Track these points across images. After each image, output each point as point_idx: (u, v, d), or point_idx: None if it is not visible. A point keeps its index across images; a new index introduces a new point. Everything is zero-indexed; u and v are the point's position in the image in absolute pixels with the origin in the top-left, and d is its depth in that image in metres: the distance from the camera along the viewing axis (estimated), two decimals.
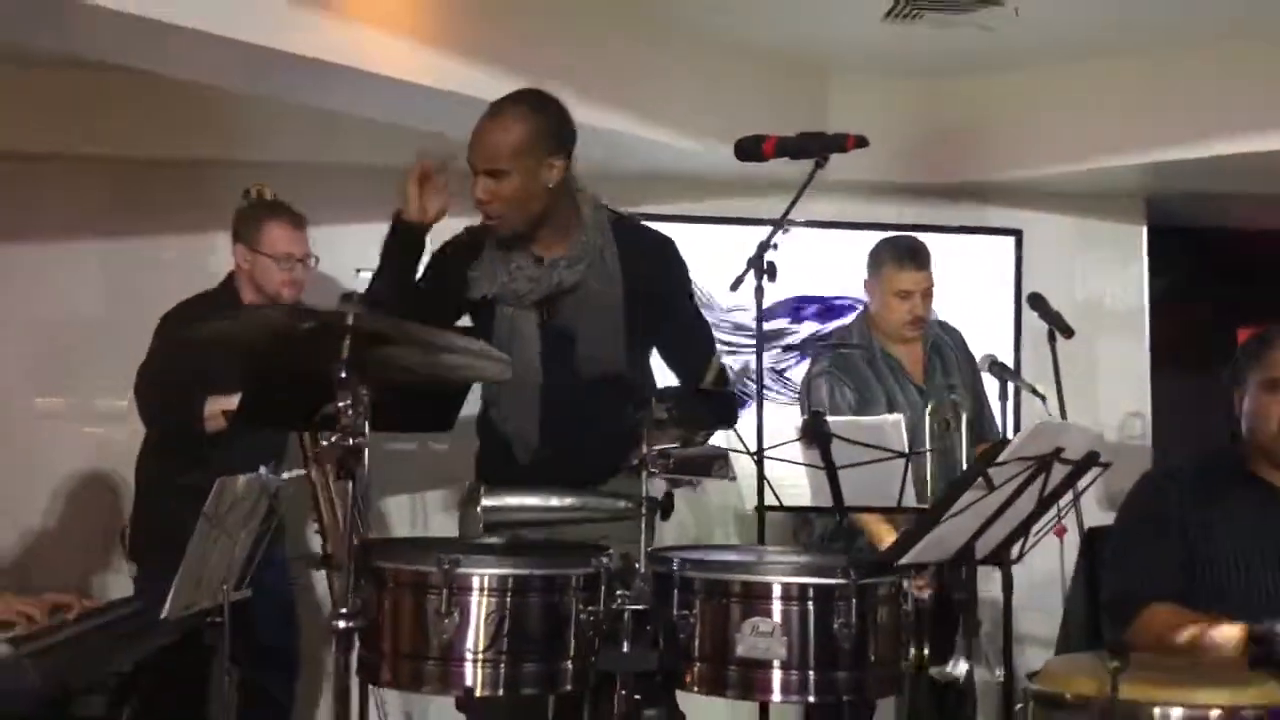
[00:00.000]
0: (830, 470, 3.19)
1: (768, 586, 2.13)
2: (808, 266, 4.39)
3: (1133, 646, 2.44)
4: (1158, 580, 2.61)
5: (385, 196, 2.85)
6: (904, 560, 2.13)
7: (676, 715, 2.37)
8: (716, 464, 2.28)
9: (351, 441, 1.94)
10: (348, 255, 3.76)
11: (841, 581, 2.10)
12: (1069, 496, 2.33)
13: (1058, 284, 4.72)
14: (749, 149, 2.89)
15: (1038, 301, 3.99)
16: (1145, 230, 4.99)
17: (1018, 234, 4.78)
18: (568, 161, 2.75)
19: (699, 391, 2.60)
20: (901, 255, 3.75)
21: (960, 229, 4.78)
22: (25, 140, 4.24)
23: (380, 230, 2.83)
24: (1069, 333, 3.88)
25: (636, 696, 2.14)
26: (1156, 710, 2.07)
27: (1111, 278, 4.95)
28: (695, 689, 2.17)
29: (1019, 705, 2.27)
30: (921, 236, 4.64)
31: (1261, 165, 4.37)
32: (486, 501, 2.26)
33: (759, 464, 2.98)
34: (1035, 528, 2.29)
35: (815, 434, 3.21)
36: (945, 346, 3.85)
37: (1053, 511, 2.27)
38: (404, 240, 2.76)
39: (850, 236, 4.51)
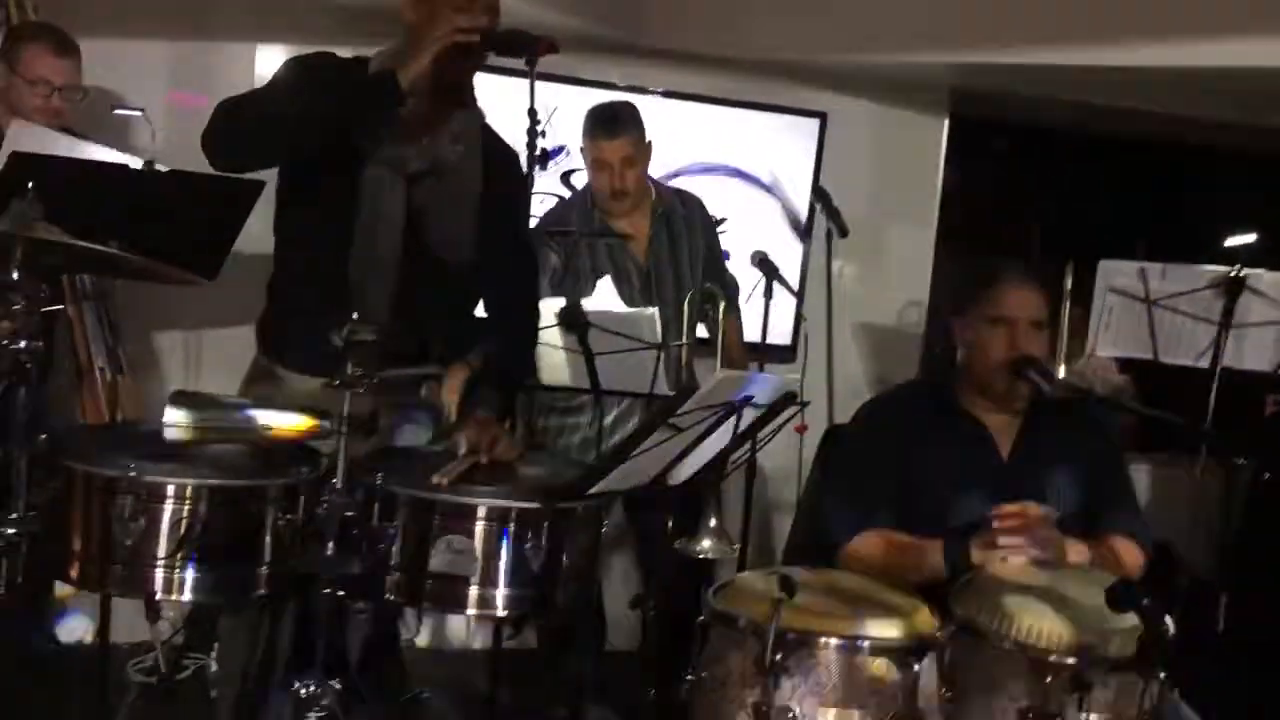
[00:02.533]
0: (587, 356, 3.30)
1: (470, 509, 2.21)
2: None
3: (848, 566, 2.62)
4: (872, 509, 2.67)
5: None
6: (594, 490, 2.22)
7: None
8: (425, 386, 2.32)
9: (25, 345, 1.89)
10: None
11: (534, 506, 2.19)
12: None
13: (855, 169, 4.81)
14: None
15: (821, 195, 4.06)
16: (946, 122, 5.06)
17: (822, 116, 4.80)
18: None
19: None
20: (594, 123, 3.67)
21: (766, 106, 4.77)
22: None
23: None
24: (844, 232, 3.97)
25: (341, 593, 2.22)
26: (820, 640, 2.21)
27: (908, 166, 5.02)
28: (393, 597, 2.26)
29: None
30: (726, 112, 4.72)
31: (1063, 77, 4.46)
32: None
33: None
34: (733, 457, 2.39)
35: (572, 322, 3.30)
36: (675, 217, 3.80)
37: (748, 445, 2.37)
38: (378, 94, 2.53)
39: (657, 104, 4.49)
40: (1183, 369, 4.01)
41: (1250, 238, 3.95)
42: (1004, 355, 2.65)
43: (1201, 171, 5.66)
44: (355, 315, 2.10)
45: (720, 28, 4.56)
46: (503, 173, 2.83)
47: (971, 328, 2.75)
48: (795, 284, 4.52)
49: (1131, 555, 2.66)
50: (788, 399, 2.30)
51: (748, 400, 2.18)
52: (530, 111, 2.84)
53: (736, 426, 2.23)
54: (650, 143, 3.75)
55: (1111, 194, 5.86)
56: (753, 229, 4.62)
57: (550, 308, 3.31)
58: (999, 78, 4.72)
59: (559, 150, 4.18)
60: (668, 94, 4.60)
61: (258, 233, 2.87)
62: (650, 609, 2.60)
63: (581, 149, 3.77)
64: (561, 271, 3.61)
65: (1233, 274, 3.82)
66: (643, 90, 4.52)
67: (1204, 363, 3.95)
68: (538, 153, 2.93)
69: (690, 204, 3.89)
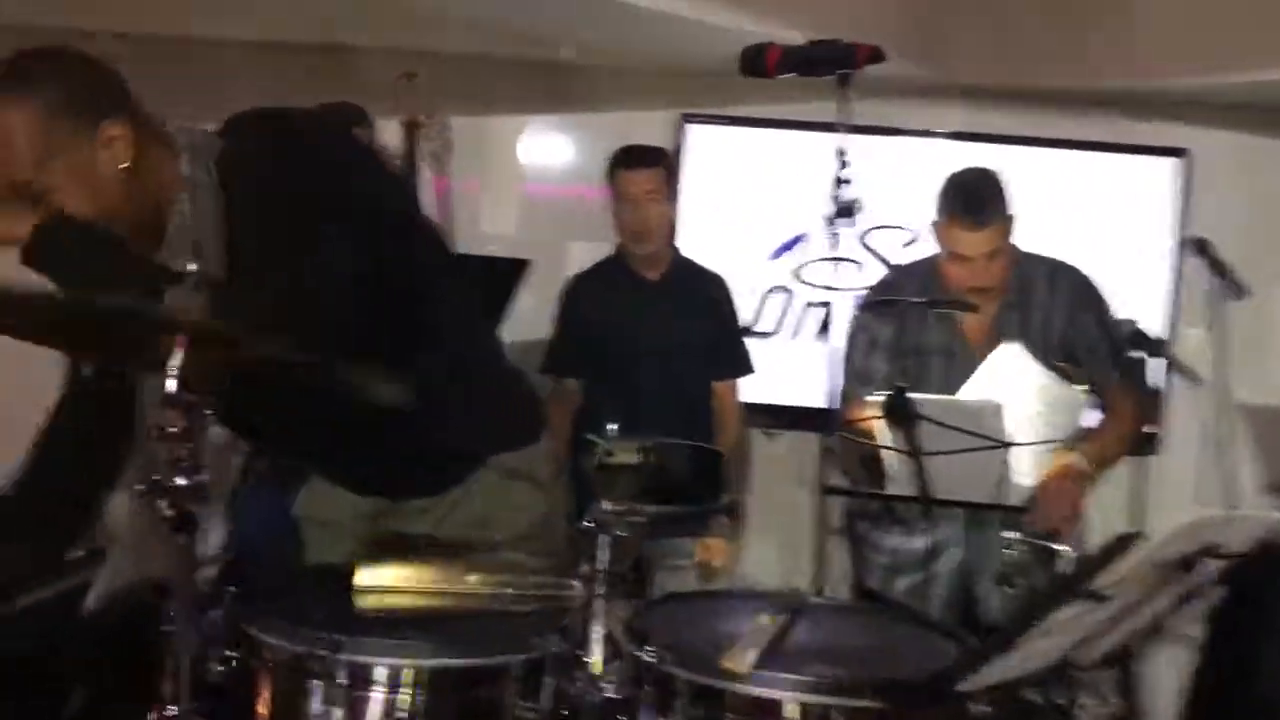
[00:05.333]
0: (917, 457, 2.60)
1: (774, 704, 1.52)
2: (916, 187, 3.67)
3: None
4: None
5: None
6: (967, 686, 1.50)
7: None
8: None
9: (186, 483, 1.37)
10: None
11: (873, 706, 1.49)
12: None
13: (1227, 220, 3.91)
14: (753, 60, 2.23)
15: (1202, 248, 3.22)
16: None
17: (1181, 154, 3.94)
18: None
19: None
20: (955, 205, 2.80)
21: (1107, 146, 3.96)
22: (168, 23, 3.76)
23: None
24: (1241, 292, 3.09)
25: None
26: None
27: None
28: None
29: None
30: (1059, 155, 3.94)
31: None
32: None
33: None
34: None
35: (899, 414, 2.61)
36: (1034, 293, 2.88)
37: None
38: None
39: (976, 151, 3.78)
40: None
41: None
42: None
43: None
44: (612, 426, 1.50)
45: (1045, 57, 3.83)
46: None
47: None
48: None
49: None
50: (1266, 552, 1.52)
51: (1211, 550, 1.42)
52: (838, 151, 2.26)
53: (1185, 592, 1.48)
54: (1013, 217, 2.85)
55: None
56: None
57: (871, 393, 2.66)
58: None
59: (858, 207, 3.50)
60: (986, 138, 3.88)
61: None
62: None
63: (933, 224, 2.91)
64: (890, 351, 2.91)
65: None
66: (956, 135, 3.85)
67: None
68: (841, 204, 2.35)
69: (1063, 276, 2.94)
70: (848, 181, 2.22)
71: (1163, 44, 3.77)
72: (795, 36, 2.46)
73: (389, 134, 3.61)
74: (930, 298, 2.88)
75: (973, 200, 2.77)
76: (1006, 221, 2.80)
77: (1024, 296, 2.88)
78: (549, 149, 4.18)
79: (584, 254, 3.66)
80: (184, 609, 1.38)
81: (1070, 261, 2.95)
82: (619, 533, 1.48)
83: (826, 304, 3.66)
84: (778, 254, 3.94)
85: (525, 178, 4.13)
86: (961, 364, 2.87)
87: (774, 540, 4.03)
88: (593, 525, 1.49)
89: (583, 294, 3.48)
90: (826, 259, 3.64)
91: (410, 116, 3.61)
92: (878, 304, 2.93)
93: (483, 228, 4.01)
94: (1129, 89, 3.88)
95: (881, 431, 2.61)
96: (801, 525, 3.81)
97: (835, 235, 2.46)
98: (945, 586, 2.95)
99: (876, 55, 2.07)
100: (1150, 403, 3.00)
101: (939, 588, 2.95)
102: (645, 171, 3.32)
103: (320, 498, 1.99)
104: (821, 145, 3.50)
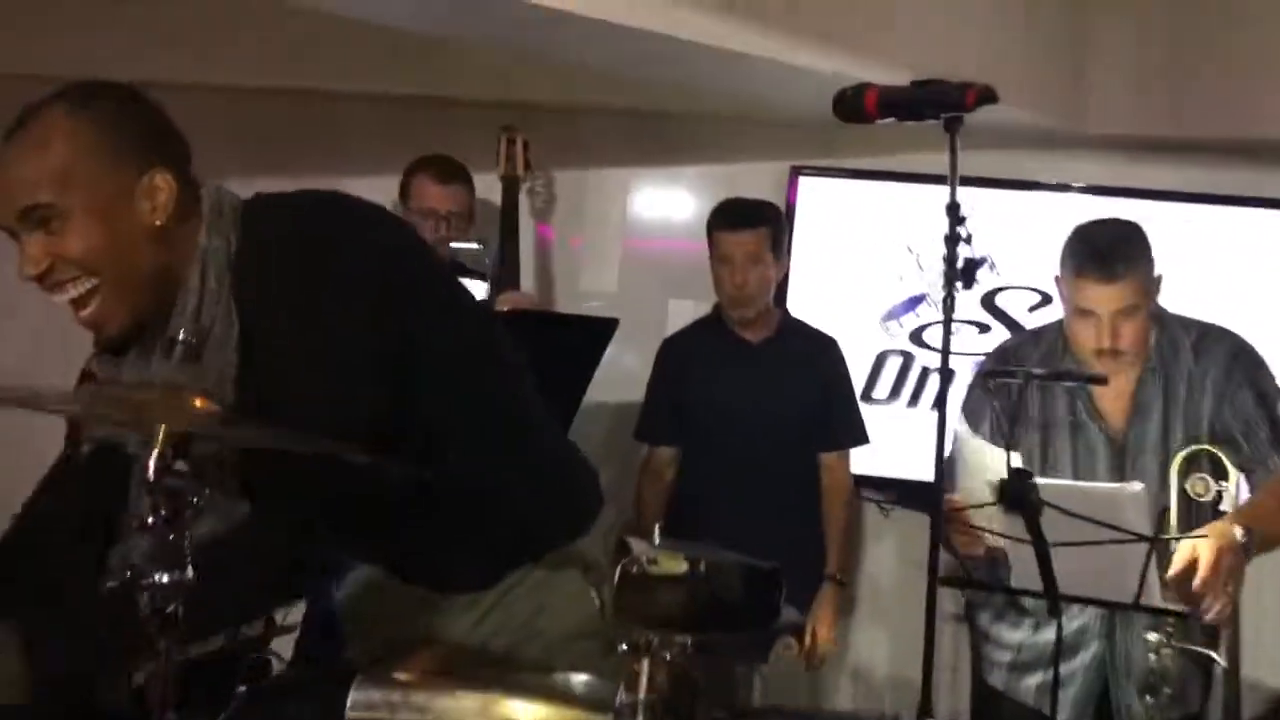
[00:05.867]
0: (1039, 547, 2.31)
1: None
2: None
3: None
4: None
5: None
6: None
7: None
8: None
9: (171, 578, 1.19)
10: None
11: None
12: None
13: None
14: (851, 105, 1.98)
15: None
16: None
17: None
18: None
19: None
20: (1081, 255, 2.50)
21: (1261, 202, 3.60)
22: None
23: None
24: None
25: None
26: None
27: None
28: None
29: None
30: (1204, 209, 3.60)
31: None
32: None
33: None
34: None
35: (1017, 499, 2.33)
36: (1177, 364, 2.55)
37: None
38: None
39: (1117, 206, 3.47)
40: None
41: None
42: None
43: None
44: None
45: (1195, 106, 3.52)
46: None
47: None
48: None
49: None
50: None
51: None
52: (951, 206, 2.01)
53: None
54: (1159, 278, 2.57)
55: None
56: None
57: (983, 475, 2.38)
58: None
59: (980, 261, 3.22)
60: (1124, 191, 3.57)
61: None
62: None
63: (1056, 279, 2.65)
64: (1007, 423, 2.59)
65: None
66: (1095, 189, 3.56)
67: None
68: (959, 264, 2.10)
69: (1214, 342, 2.59)
70: (963, 239, 1.95)
71: None
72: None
73: (489, 189, 3.50)
74: (1054, 368, 2.59)
75: (1103, 249, 2.47)
76: (1144, 277, 2.48)
77: (1169, 366, 2.55)
78: (653, 203, 3.99)
79: (687, 312, 3.46)
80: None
81: (1225, 325, 2.62)
82: (665, 655, 1.24)
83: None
84: (895, 315, 3.67)
85: (628, 232, 3.95)
86: (1095, 443, 2.56)
87: (886, 626, 3.74)
88: (632, 648, 1.26)
89: (678, 354, 3.27)
90: (950, 321, 3.34)
91: (510, 171, 3.49)
92: (994, 374, 2.65)
93: (583, 284, 3.84)
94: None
95: (994, 518, 2.33)
96: (917, 610, 3.52)
97: (953, 296, 2.21)
98: (1080, 687, 2.62)
99: (988, 96, 1.82)
100: None
101: (1072, 688, 2.62)
102: (747, 233, 3.09)
103: (362, 586, 1.80)
104: (944, 198, 3.28)
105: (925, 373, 3.66)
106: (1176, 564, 2.27)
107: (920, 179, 3.49)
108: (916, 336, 3.65)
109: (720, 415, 3.16)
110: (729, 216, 3.14)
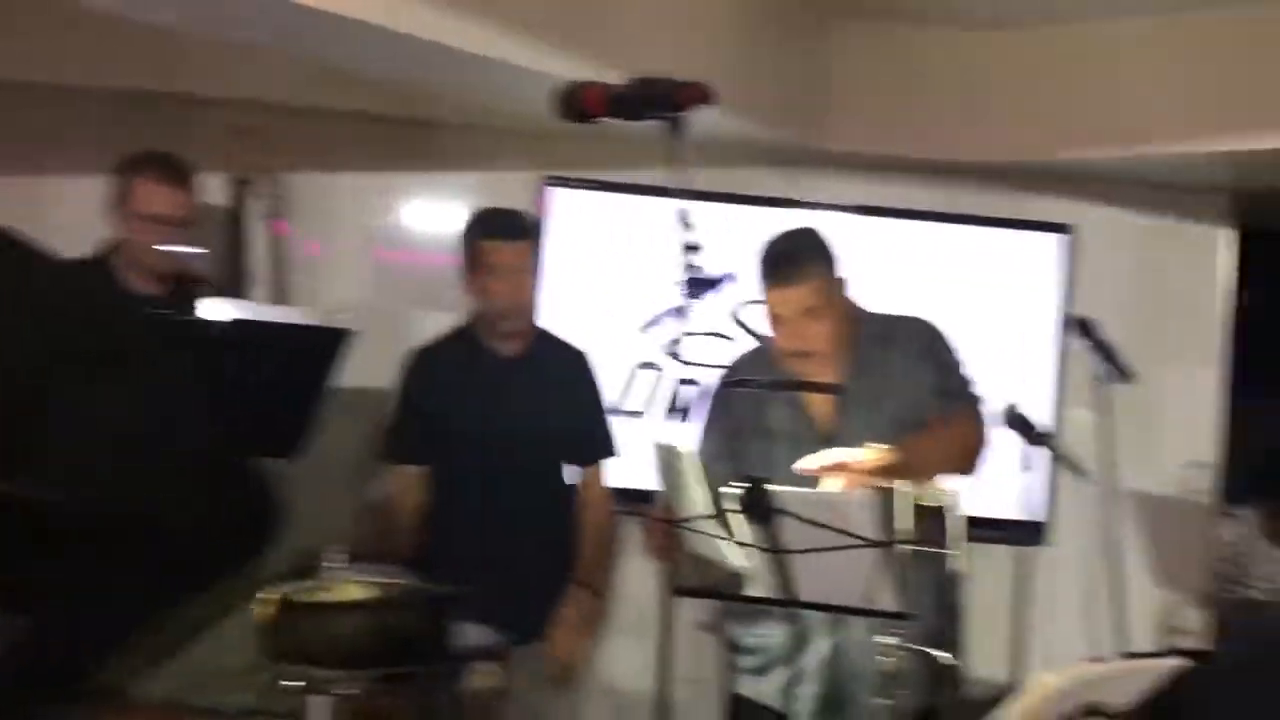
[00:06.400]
0: (777, 556, 2.34)
1: None
2: None
3: None
4: None
5: None
6: None
7: None
8: None
9: None
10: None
11: None
12: None
13: (1111, 297, 3.77)
14: (571, 102, 1.97)
15: (1086, 330, 3.07)
16: (1232, 234, 3.98)
17: (1066, 230, 3.80)
18: None
19: None
20: (763, 265, 2.66)
21: (991, 221, 3.81)
22: None
23: None
24: (1126, 375, 2.94)
25: None
26: None
27: (1182, 292, 3.95)
28: None
29: None
30: (942, 229, 3.78)
31: None
32: None
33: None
34: None
35: (757, 507, 2.35)
36: (876, 360, 2.66)
37: None
38: None
39: (856, 223, 3.61)
40: None
41: None
42: None
43: None
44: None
45: (932, 131, 3.68)
46: None
47: None
48: None
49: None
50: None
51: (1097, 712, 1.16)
52: (680, 214, 2.02)
53: None
54: (842, 280, 2.69)
55: None
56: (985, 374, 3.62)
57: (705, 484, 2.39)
58: None
59: (723, 279, 3.27)
60: (865, 209, 3.71)
61: None
62: None
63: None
64: (736, 438, 2.64)
65: None
66: (835, 207, 3.67)
67: None
68: (693, 274, 2.13)
69: (902, 329, 2.74)
70: (696, 248, 1.96)
71: (1050, 119, 3.66)
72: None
73: (216, 190, 3.31)
74: (773, 377, 2.65)
75: (778, 256, 2.62)
76: (825, 280, 2.60)
77: (866, 362, 2.66)
78: (399, 210, 3.87)
79: (435, 325, 3.35)
80: None
81: (913, 314, 2.75)
82: (341, 692, 1.16)
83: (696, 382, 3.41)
84: (648, 327, 3.69)
85: (374, 241, 3.81)
86: (808, 448, 2.63)
87: (640, 638, 3.73)
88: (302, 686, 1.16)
89: (425, 370, 3.15)
90: (697, 334, 3.40)
91: (237, 173, 3.29)
92: (724, 388, 2.69)
93: (324, 294, 3.66)
94: (1017, 164, 3.74)
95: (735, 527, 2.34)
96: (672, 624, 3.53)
97: (693, 308, 2.23)
98: (816, 683, 2.66)
99: (703, 95, 1.83)
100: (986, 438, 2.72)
101: (810, 686, 2.67)
102: (518, 242, 3.01)
103: None
104: (696, 213, 3.31)
105: (679, 384, 3.69)
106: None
107: (671, 193, 3.52)
108: (669, 349, 3.68)
109: (472, 430, 3.07)
110: (497, 225, 3.05)
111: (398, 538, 3.05)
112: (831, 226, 3.66)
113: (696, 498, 2.36)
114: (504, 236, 3.01)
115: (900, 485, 2.36)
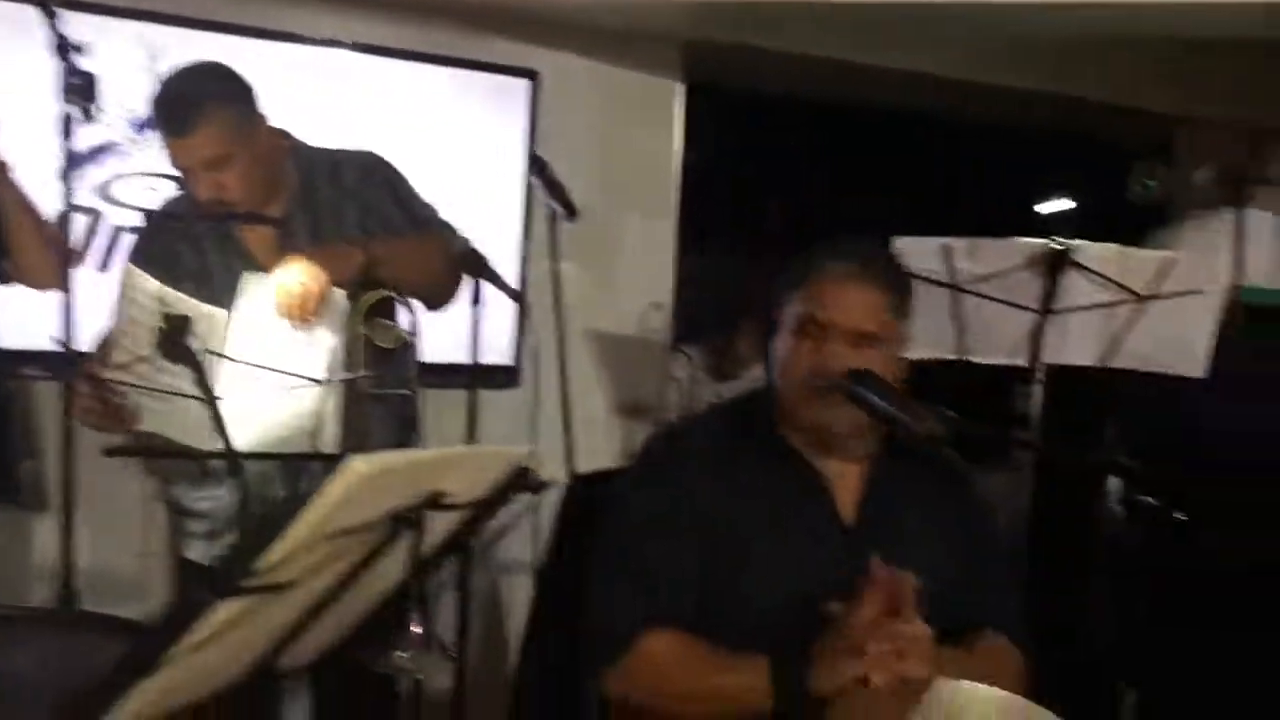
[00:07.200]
0: (209, 401, 2.17)
1: None
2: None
3: (635, 675, 1.82)
4: (665, 591, 1.84)
5: None
6: None
7: None
8: None
9: None
10: None
11: None
12: None
13: (577, 145, 3.84)
14: None
15: (538, 166, 3.14)
16: (681, 88, 4.17)
17: (533, 75, 3.80)
18: None
19: None
20: (156, 115, 2.42)
21: (463, 62, 3.73)
22: None
23: None
24: (571, 211, 3.04)
25: None
26: None
27: (639, 141, 4.10)
28: None
29: None
30: (412, 68, 3.65)
31: (807, 14, 3.64)
32: None
33: None
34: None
35: (178, 350, 2.16)
36: (319, 195, 2.53)
37: None
38: None
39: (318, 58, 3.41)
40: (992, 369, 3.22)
41: (1065, 204, 3.21)
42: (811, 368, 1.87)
43: (988, 148, 4.97)
44: None
45: None
46: None
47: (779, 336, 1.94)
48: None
49: (1011, 663, 1.92)
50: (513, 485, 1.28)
51: (435, 500, 1.12)
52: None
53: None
54: (257, 117, 2.44)
55: (889, 174, 5.12)
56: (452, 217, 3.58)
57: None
58: (740, 27, 3.88)
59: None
60: (330, 43, 3.52)
61: None
62: None
63: None
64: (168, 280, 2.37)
65: (1056, 247, 3.04)
66: (300, 39, 3.46)
67: (1020, 359, 3.16)
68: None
69: (349, 166, 2.59)
70: (72, 48, 1.70)
71: None
72: None
73: None
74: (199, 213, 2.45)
75: (171, 106, 2.36)
76: (230, 124, 2.36)
77: (309, 197, 2.52)
78: None
79: None
80: None
81: (360, 148, 2.63)
82: None
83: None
84: (77, 166, 3.26)
85: None
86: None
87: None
88: None
89: None
90: (136, 174, 3.06)
91: None
92: (152, 230, 2.46)
93: None
94: (489, 4, 3.67)
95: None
96: (124, 498, 3.23)
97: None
98: None
99: None
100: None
101: None
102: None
103: None
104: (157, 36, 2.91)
105: (118, 232, 3.33)
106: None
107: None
108: (105, 191, 3.30)
109: None
110: None
111: None
112: (293, 61, 3.47)
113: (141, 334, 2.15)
114: None
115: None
